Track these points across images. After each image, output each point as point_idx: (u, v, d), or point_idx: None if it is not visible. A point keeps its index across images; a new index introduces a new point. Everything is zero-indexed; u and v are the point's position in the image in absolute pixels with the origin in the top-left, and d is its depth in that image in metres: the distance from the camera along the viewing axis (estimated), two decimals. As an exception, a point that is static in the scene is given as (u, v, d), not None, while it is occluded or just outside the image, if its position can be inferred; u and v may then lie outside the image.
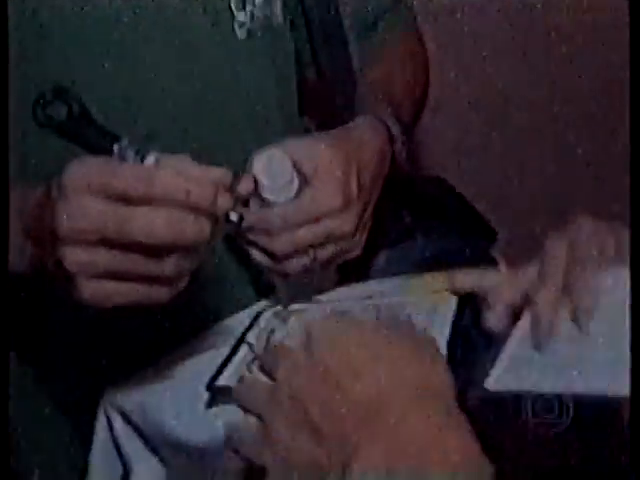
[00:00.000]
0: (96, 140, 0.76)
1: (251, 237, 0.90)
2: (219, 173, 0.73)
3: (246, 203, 0.90)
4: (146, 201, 0.69)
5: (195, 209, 0.71)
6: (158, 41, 0.91)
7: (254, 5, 0.95)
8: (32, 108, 0.78)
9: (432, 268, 0.93)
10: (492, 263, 0.94)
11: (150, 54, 0.91)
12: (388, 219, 1.01)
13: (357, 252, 0.93)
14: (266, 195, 0.89)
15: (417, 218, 1.05)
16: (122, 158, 0.73)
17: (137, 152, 0.73)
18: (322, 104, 1.05)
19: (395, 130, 0.98)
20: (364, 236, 0.93)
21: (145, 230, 0.69)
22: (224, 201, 0.72)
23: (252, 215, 0.89)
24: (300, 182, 0.89)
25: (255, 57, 0.96)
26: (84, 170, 0.70)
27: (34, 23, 0.86)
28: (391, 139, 0.98)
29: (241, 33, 0.95)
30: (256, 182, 0.89)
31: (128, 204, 0.69)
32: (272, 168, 0.88)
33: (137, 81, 0.91)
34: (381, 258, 1.02)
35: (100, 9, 0.88)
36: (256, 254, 0.91)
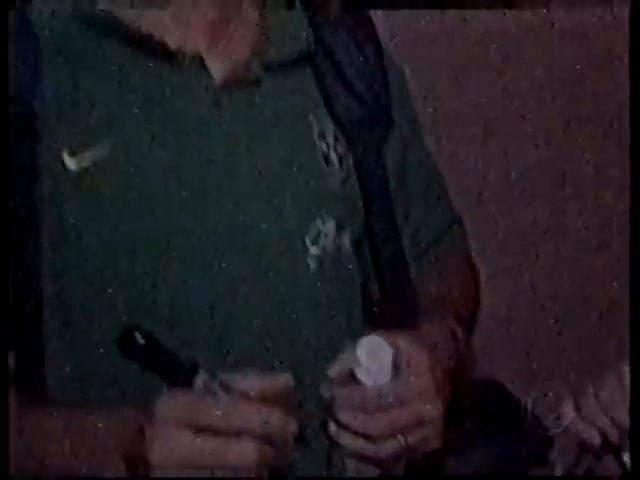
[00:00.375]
0: (174, 371, 0.84)
1: (343, 419, 0.95)
2: (283, 381, 0.84)
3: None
4: (228, 433, 0.80)
5: (271, 438, 0.81)
6: (234, 272, 0.98)
7: (326, 238, 1.02)
8: (117, 341, 0.85)
9: (491, 475, 0.98)
10: (550, 466, 0.98)
11: (224, 279, 0.98)
12: (452, 423, 1.04)
13: (438, 443, 0.97)
14: (363, 378, 0.94)
15: (478, 423, 1.09)
16: (201, 391, 0.83)
17: (214, 385, 0.83)
18: (385, 316, 1.12)
19: (459, 332, 1.06)
20: (443, 428, 0.97)
21: (227, 461, 0.80)
22: (292, 426, 0.83)
23: (345, 396, 0.95)
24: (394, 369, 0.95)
25: (325, 282, 1.03)
26: (172, 404, 0.82)
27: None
28: (456, 340, 1.05)
29: (313, 264, 1.02)
30: (350, 366, 0.95)
31: (212, 435, 0.80)
32: (375, 353, 0.95)
33: (217, 301, 0.98)
34: (447, 464, 1.05)
35: (171, 235, 0.96)
36: (347, 437, 0.96)
